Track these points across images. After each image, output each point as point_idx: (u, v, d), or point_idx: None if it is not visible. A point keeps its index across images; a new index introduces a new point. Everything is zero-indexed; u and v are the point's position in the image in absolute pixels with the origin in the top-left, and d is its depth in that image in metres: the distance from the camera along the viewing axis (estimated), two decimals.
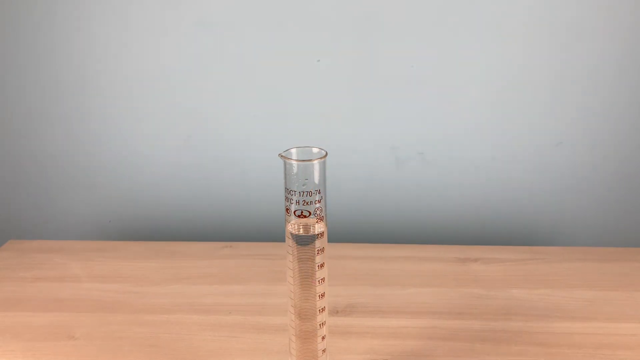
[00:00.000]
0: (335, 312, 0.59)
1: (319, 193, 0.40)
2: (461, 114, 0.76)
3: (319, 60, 0.74)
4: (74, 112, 0.78)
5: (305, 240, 0.41)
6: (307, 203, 0.40)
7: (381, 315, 0.59)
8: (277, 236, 0.77)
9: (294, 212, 0.40)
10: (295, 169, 0.39)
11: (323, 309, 0.44)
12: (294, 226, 0.41)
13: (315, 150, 0.41)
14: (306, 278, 0.42)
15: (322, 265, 0.42)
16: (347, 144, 0.78)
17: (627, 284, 0.65)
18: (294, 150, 0.41)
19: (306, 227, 0.41)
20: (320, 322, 0.44)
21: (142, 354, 0.53)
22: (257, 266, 0.70)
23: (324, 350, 0.45)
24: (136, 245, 0.76)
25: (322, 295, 0.43)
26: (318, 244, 0.42)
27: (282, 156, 0.40)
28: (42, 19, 0.73)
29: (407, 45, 0.73)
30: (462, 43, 0.73)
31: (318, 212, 0.40)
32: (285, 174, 0.40)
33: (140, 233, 0.84)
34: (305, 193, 0.40)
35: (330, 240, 0.43)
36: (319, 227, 0.41)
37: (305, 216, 0.40)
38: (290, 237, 0.42)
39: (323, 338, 0.45)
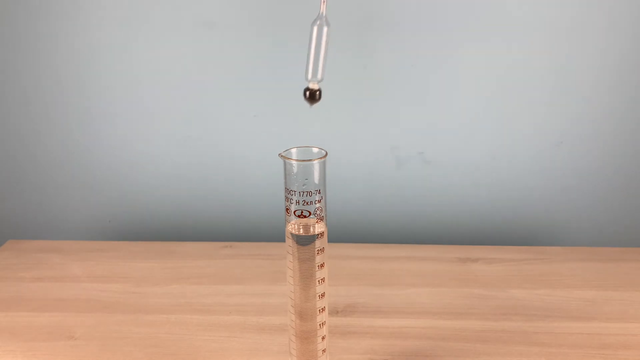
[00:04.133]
0: (335, 312, 0.59)
1: (319, 193, 0.40)
2: (461, 113, 0.76)
3: None
4: (73, 112, 0.78)
5: (305, 240, 0.41)
6: (307, 203, 0.40)
7: (381, 315, 0.59)
8: (277, 236, 0.77)
9: (294, 212, 0.40)
10: (295, 169, 0.39)
11: (323, 309, 0.44)
12: (294, 226, 0.41)
13: (315, 150, 0.41)
14: (306, 278, 0.42)
15: (322, 265, 0.42)
16: (347, 144, 0.78)
17: (627, 284, 0.65)
18: (294, 150, 0.41)
19: (306, 227, 0.41)
20: (320, 322, 0.44)
21: (142, 354, 0.53)
22: (257, 266, 0.70)
23: (324, 351, 0.45)
24: (136, 245, 0.76)
25: (322, 295, 0.43)
26: (318, 244, 0.42)
27: (282, 156, 0.40)
28: (41, 18, 0.73)
29: (407, 45, 0.73)
30: (462, 43, 0.72)
31: (318, 212, 0.40)
32: (285, 174, 0.40)
33: (140, 233, 0.84)
34: (305, 193, 0.40)
35: (330, 240, 0.43)
36: (319, 227, 0.41)
37: (305, 216, 0.40)
38: (290, 237, 0.42)
39: (323, 338, 0.45)
